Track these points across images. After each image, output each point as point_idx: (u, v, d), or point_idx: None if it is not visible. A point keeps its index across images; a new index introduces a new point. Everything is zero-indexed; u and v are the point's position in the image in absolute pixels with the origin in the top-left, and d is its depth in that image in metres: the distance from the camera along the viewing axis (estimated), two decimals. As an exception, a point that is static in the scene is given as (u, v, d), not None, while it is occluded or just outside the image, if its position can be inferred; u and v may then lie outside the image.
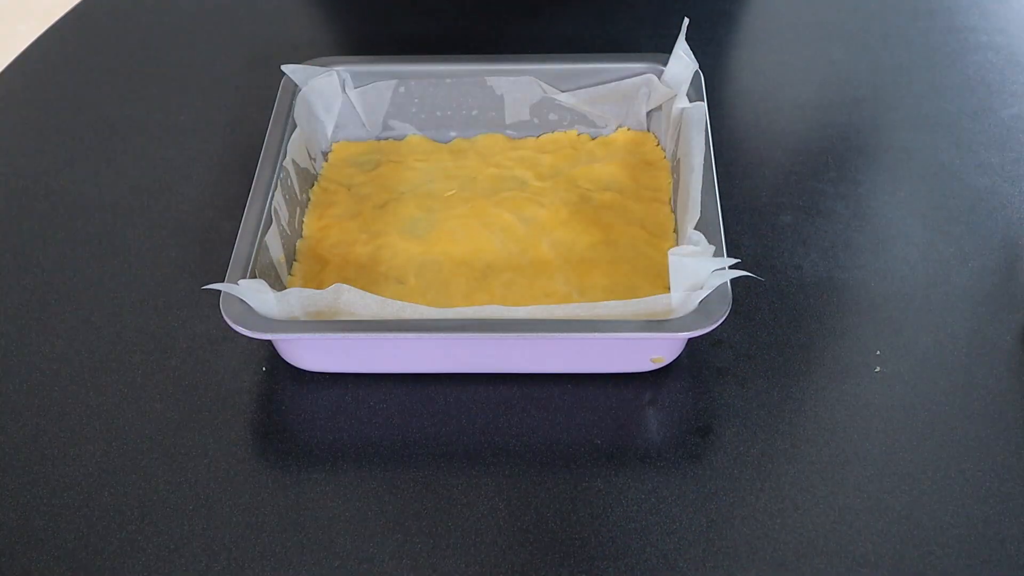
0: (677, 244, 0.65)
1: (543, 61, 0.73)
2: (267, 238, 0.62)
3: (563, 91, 0.73)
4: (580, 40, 0.85)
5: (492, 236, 0.66)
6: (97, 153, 0.77)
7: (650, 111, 0.73)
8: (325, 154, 0.73)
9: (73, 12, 0.92)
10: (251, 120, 0.78)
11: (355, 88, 0.73)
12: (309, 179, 0.70)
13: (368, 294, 0.58)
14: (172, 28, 0.90)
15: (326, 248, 0.66)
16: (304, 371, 0.62)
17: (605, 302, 0.58)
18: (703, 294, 0.57)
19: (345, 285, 0.59)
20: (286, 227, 0.65)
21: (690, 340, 0.60)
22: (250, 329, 0.57)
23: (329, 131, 0.73)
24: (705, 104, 0.68)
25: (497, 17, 0.88)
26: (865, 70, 0.83)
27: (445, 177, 0.71)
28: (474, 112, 0.74)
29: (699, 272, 0.57)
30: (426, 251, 0.66)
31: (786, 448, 0.58)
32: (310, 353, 0.61)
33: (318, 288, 0.60)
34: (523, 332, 0.57)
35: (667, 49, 0.71)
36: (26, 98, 0.84)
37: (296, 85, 0.72)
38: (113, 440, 0.59)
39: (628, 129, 0.74)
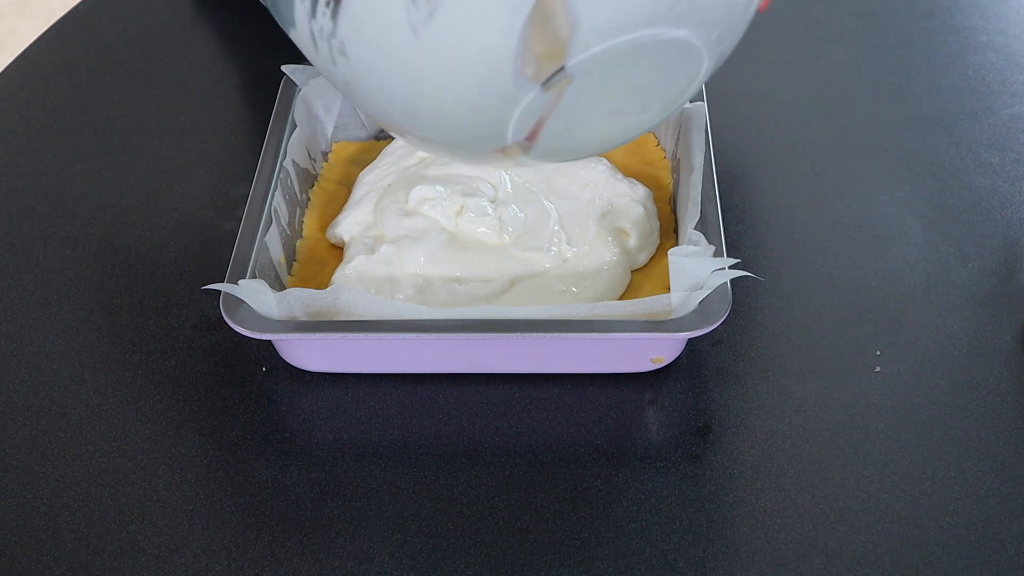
0: (677, 244, 0.65)
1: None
2: (267, 238, 0.62)
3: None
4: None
5: (492, 236, 0.66)
6: (97, 153, 0.77)
7: (650, 111, 0.73)
8: (325, 154, 0.73)
9: (73, 12, 0.92)
10: (251, 120, 0.78)
11: (355, 88, 0.73)
12: (309, 179, 0.70)
13: (368, 294, 0.58)
14: (172, 28, 0.90)
15: (326, 248, 0.66)
16: (304, 371, 0.62)
17: (605, 302, 0.58)
18: (703, 294, 0.57)
19: (345, 285, 0.59)
20: (286, 227, 0.65)
21: (690, 340, 0.60)
22: (250, 329, 0.57)
23: (329, 131, 0.73)
24: (705, 104, 0.68)
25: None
26: (865, 70, 0.83)
27: (445, 177, 0.71)
28: (474, 112, 0.74)
29: (699, 272, 0.57)
30: (426, 251, 0.66)
31: (786, 448, 0.58)
32: (310, 353, 0.61)
33: (318, 288, 0.60)
34: (523, 332, 0.57)
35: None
36: (26, 98, 0.84)
37: (296, 85, 0.72)
38: (113, 440, 0.59)
39: (628, 129, 0.74)
